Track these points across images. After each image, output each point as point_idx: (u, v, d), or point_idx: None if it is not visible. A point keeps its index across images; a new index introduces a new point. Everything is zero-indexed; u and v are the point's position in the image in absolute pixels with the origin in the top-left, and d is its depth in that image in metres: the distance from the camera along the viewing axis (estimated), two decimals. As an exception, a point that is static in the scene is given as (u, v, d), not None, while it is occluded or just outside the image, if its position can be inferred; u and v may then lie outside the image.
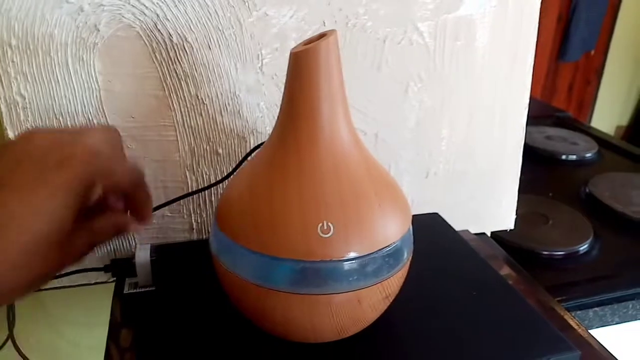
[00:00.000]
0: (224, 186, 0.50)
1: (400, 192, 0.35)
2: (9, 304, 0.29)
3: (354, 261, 0.31)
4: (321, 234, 0.30)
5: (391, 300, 0.34)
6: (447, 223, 0.49)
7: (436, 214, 0.50)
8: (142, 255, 0.43)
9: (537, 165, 0.97)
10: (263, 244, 0.31)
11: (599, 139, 1.07)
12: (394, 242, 0.32)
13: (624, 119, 2.00)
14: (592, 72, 1.88)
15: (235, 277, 0.32)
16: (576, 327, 0.43)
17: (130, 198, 0.35)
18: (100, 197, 0.35)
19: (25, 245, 0.27)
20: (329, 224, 0.31)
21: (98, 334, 0.56)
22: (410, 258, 0.34)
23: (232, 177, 0.37)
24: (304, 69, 0.31)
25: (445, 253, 0.44)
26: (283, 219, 0.31)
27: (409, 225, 0.34)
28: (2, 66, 0.42)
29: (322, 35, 0.32)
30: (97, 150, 0.30)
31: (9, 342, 0.41)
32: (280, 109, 0.34)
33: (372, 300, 0.33)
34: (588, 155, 1.00)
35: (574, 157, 1.00)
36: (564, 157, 1.00)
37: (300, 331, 0.33)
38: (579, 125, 1.18)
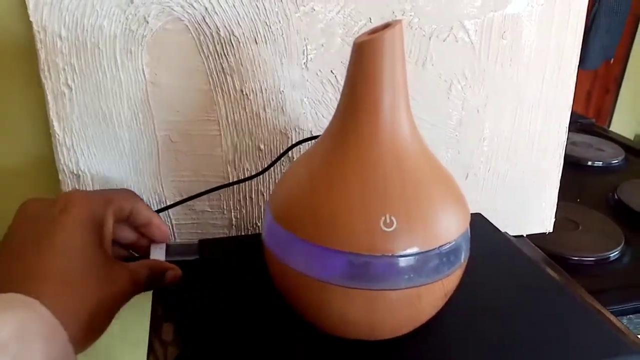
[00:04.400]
0: (263, 181, 0.50)
1: (459, 189, 0.34)
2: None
3: (416, 256, 0.30)
4: (384, 228, 0.30)
5: (447, 299, 0.34)
6: (491, 223, 0.48)
7: (479, 214, 0.49)
8: (158, 254, 0.43)
9: (563, 171, 0.96)
10: (323, 236, 0.30)
11: (625, 145, 1.06)
12: (455, 239, 0.32)
13: (642, 128, 1.97)
14: (612, 80, 1.86)
15: (291, 270, 0.32)
16: (626, 331, 0.42)
17: (139, 222, 0.41)
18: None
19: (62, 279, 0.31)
20: (392, 217, 0.30)
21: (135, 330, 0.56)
22: (468, 257, 0.34)
23: (287, 169, 0.37)
24: (367, 59, 0.31)
25: (492, 253, 0.44)
26: (344, 212, 0.30)
27: (468, 223, 0.34)
28: (51, 57, 0.42)
29: (386, 25, 0.31)
30: (89, 194, 0.38)
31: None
32: (340, 100, 0.33)
33: (432, 297, 0.32)
34: (614, 161, 0.99)
35: (600, 163, 0.99)
36: (590, 163, 0.99)
37: (356, 327, 0.33)
38: (602, 132, 1.17)
